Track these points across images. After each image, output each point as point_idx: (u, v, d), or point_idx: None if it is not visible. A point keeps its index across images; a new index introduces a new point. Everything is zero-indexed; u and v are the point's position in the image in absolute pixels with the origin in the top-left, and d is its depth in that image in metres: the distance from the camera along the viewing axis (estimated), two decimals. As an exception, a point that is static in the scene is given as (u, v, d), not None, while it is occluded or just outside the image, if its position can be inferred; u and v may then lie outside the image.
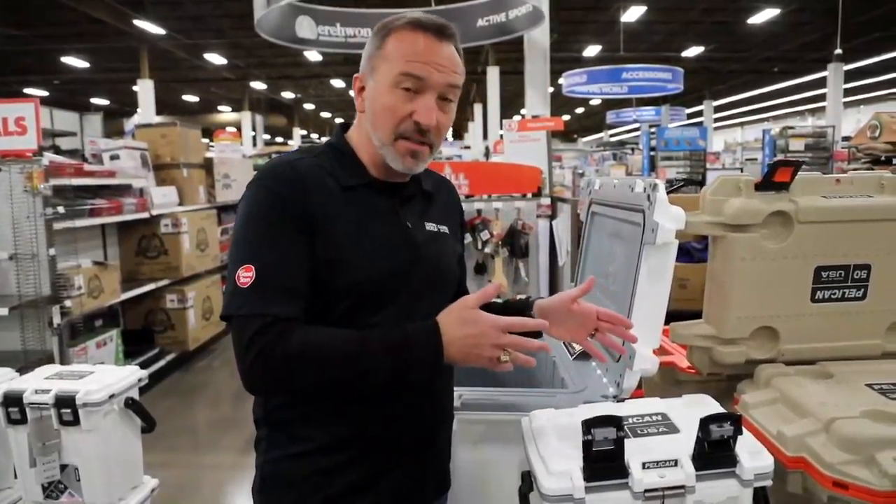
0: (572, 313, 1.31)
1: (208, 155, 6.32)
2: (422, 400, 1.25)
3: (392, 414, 1.23)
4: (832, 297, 1.49)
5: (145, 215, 4.74)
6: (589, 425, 1.08)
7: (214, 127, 18.85)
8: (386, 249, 1.21)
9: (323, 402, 1.19)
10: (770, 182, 1.41)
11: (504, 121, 5.01)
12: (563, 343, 1.85)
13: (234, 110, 26.21)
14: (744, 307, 1.47)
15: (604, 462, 1.10)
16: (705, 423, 1.07)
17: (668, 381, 1.71)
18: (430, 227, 1.30)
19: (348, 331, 1.15)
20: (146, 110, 14.77)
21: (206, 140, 8.67)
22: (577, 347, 1.77)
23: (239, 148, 9.33)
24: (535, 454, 1.20)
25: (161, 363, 4.95)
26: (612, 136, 29.08)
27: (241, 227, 1.17)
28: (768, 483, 1.15)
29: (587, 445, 1.09)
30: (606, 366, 1.58)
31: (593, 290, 1.97)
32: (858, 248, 1.46)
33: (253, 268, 1.12)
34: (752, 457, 1.12)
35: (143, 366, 4.95)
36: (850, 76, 17.25)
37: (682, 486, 1.10)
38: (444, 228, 1.33)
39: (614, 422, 1.07)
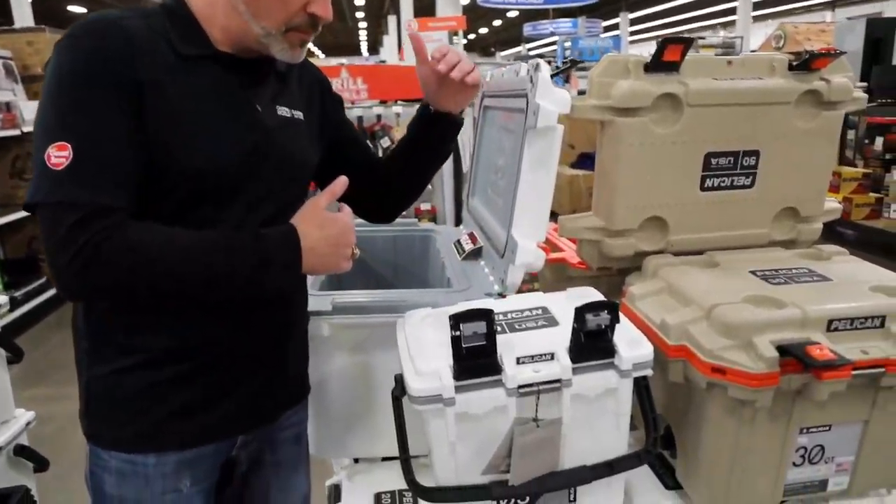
0: (434, 74, 1.31)
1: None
2: (268, 304, 1.13)
3: (234, 320, 1.10)
4: (721, 185, 1.44)
5: (16, 132, 4.32)
6: (457, 320, 0.99)
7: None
8: (229, 133, 1.05)
9: (155, 307, 1.05)
10: (659, 62, 1.32)
11: (405, 20, 4.77)
12: (454, 244, 1.77)
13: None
14: (632, 197, 1.41)
15: (474, 359, 1.02)
16: (580, 312, 1.00)
17: (560, 278, 1.66)
18: (283, 112, 1.14)
19: (191, 231, 1.00)
20: (22, 21, 13.44)
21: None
22: (467, 247, 1.68)
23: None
24: (405, 355, 1.11)
25: (48, 294, 4.64)
26: (529, 49, 28.73)
27: (51, 96, 0.95)
28: (648, 373, 1.11)
29: (456, 342, 1.00)
30: (493, 263, 1.50)
31: (483, 187, 1.88)
32: (748, 133, 1.41)
33: (68, 145, 0.92)
34: (631, 346, 1.07)
35: (28, 297, 4.65)
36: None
37: (558, 380, 1.04)
38: (299, 114, 1.18)
39: (484, 315, 0.99)
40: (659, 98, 1.34)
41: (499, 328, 1.14)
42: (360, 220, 2.12)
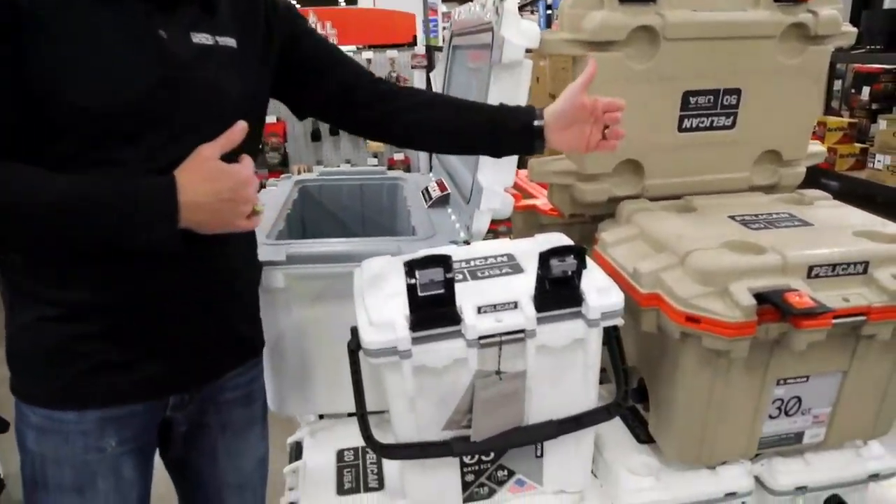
0: (583, 109, 1.11)
1: None
2: (200, 256, 1.03)
3: (163, 274, 1.00)
4: (700, 125, 1.36)
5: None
6: (412, 266, 0.91)
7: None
8: (127, 66, 0.92)
9: (73, 259, 0.96)
10: (635, -10, 1.22)
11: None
12: (421, 192, 1.68)
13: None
14: (606, 138, 1.32)
15: (432, 308, 0.95)
16: (545, 257, 0.93)
17: (532, 227, 1.58)
18: (202, 39, 1.00)
19: (59, 176, 0.88)
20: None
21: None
22: (434, 195, 1.60)
23: None
24: (360, 305, 1.03)
25: None
26: None
27: None
28: (618, 322, 1.04)
29: (412, 290, 0.93)
30: (459, 210, 1.42)
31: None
32: (729, 69, 1.33)
33: None
34: (600, 294, 1.00)
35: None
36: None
37: (522, 331, 0.97)
38: (229, 41, 1.04)
39: (441, 261, 0.91)
40: (634, 31, 1.24)
41: (460, 276, 1.07)
42: (326, 168, 2.04)
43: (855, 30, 1.38)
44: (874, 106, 6.52)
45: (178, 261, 0.98)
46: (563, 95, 1.13)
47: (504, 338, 0.97)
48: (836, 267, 1.11)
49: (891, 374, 1.23)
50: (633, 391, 1.43)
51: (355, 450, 1.41)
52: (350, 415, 1.52)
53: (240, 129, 0.96)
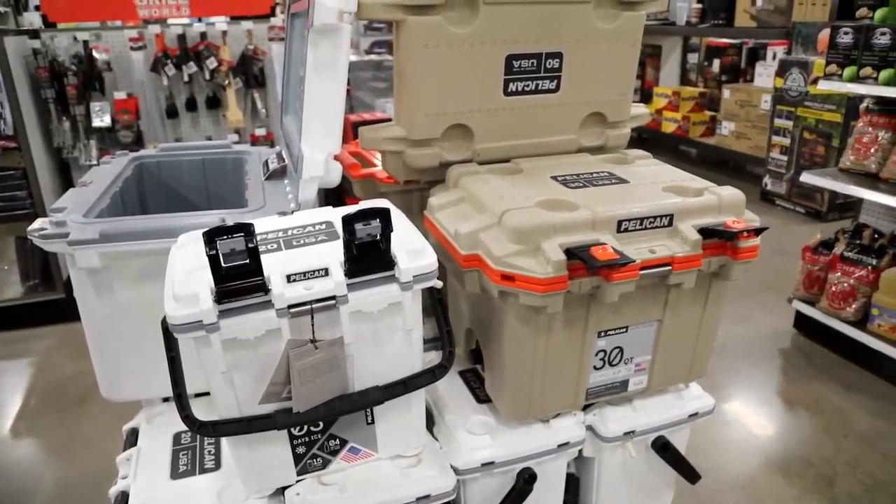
0: None
1: None
2: None
3: None
4: (525, 89, 1.39)
5: None
6: (211, 236, 0.87)
7: None
8: None
9: None
10: (450, -48, 1.22)
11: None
12: (262, 164, 1.63)
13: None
14: (432, 103, 1.32)
15: (237, 280, 0.92)
16: (348, 222, 0.92)
17: (372, 194, 1.57)
18: None
19: None
20: None
21: None
22: (272, 166, 1.55)
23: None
24: (169, 282, 0.99)
25: None
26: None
27: None
28: (434, 284, 1.05)
29: (214, 261, 0.89)
30: (293, 181, 1.38)
31: (293, 103, 1.73)
32: (550, 33, 1.35)
33: None
34: (411, 257, 1.00)
35: None
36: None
37: (333, 297, 0.96)
38: None
39: (242, 229, 0.88)
40: (453, -7, 1.24)
41: (273, 246, 1.04)
42: (168, 145, 1.93)
43: (664, -2, 1.44)
44: (723, 77, 6.99)
45: None
46: None
47: (315, 305, 0.95)
48: (643, 221, 1.16)
49: (701, 321, 1.32)
50: (470, 353, 1.46)
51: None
52: (197, 395, 1.46)
53: None
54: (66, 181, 3.63)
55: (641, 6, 1.41)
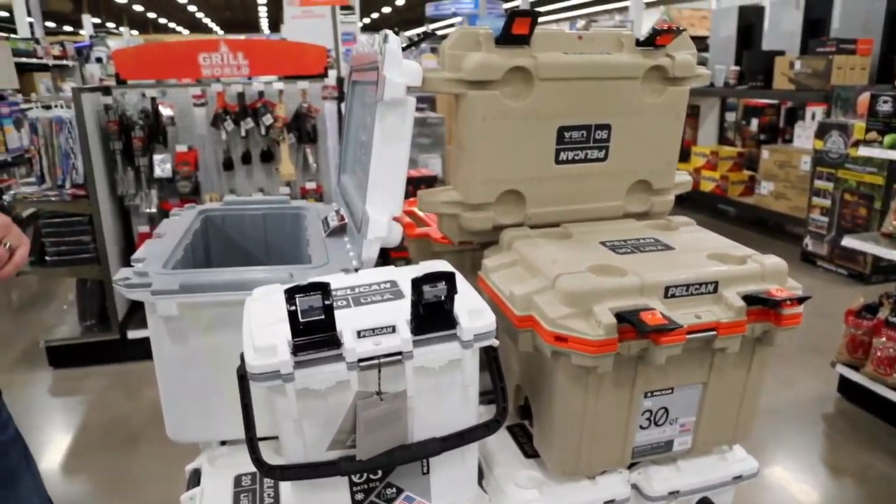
0: None
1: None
2: None
3: None
4: (575, 158, 1.47)
5: None
6: (292, 293, 0.96)
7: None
8: None
9: None
10: (509, 35, 1.33)
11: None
12: (321, 221, 1.73)
13: (2, -8, 22.43)
14: (488, 170, 1.41)
15: (313, 333, 1.00)
16: (417, 284, 1.00)
17: (425, 254, 1.66)
18: None
19: None
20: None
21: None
22: (332, 224, 1.65)
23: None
24: (247, 332, 1.07)
25: None
26: (434, 30, 28.63)
27: None
28: (492, 343, 1.12)
29: (293, 316, 0.98)
30: (354, 239, 1.48)
31: (352, 164, 1.85)
32: (599, 107, 1.44)
33: None
34: (472, 317, 1.07)
35: None
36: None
37: (399, 353, 1.03)
38: None
39: (320, 288, 0.96)
40: (510, 71, 1.34)
41: (343, 302, 1.12)
42: (230, 197, 2.06)
43: (709, 72, 1.53)
44: (762, 136, 7.02)
45: None
46: None
47: (382, 360, 1.02)
48: (689, 287, 1.22)
49: (745, 384, 1.36)
50: (519, 408, 1.52)
51: (253, 475, 1.43)
52: (249, 441, 1.54)
53: None
54: (126, 227, 3.82)
55: (687, 81, 1.50)
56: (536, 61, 1.35)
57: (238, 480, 1.43)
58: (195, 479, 1.48)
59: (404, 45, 1.31)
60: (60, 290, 5.04)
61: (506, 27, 1.32)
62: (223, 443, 1.58)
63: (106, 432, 3.10)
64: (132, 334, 3.67)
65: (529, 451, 1.44)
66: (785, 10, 6.56)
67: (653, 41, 1.42)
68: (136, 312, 3.82)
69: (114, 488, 2.69)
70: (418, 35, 1.56)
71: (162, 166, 3.55)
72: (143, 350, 3.59)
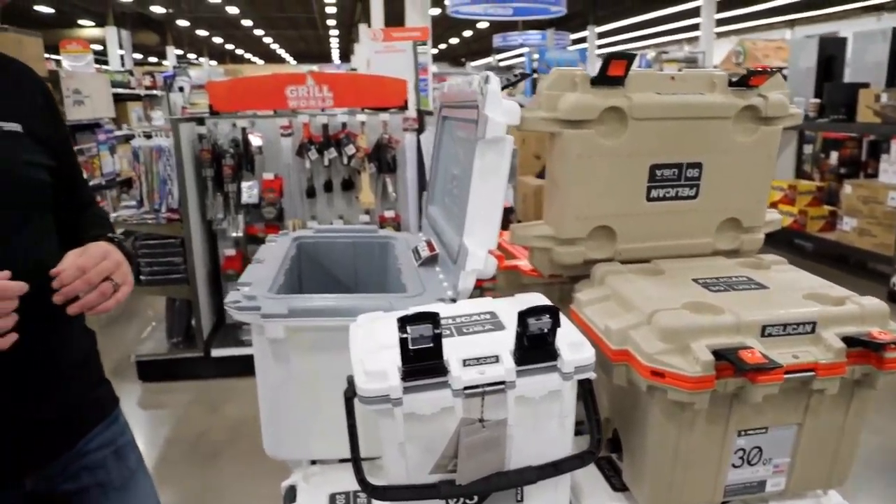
0: None
1: (53, 68, 5.73)
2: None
3: None
4: (666, 195, 1.50)
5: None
6: (404, 322, 1.02)
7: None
8: None
9: None
10: (605, 77, 1.37)
11: (365, 28, 4.80)
12: (412, 251, 1.80)
13: (97, 25, 23.94)
14: (581, 207, 1.45)
15: (421, 360, 1.05)
16: (523, 316, 1.04)
17: (514, 285, 1.70)
18: None
19: None
20: (-12, 20, 13.14)
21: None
22: (423, 254, 1.71)
23: (89, 59, 8.45)
24: (356, 357, 1.14)
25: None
26: (499, 60, 28.99)
27: None
28: (590, 375, 1.15)
29: (403, 343, 1.03)
30: (447, 269, 1.54)
31: (440, 196, 1.92)
32: (691, 145, 1.47)
33: None
34: (573, 349, 1.11)
35: None
36: (722, 6, 17.86)
37: (503, 382, 1.08)
38: (14, 126, 1.10)
39: (430, 318, 1.02)
40: (605, 111, 1.39)
41: (447, 331, 1.17)
42: (323, 227, 2.16)
43: (801, 111, 1.53)
44: (842, 170, 6.81)
45: None
46: None
47: (487, 389, 1.07)
48: (786, 327, 1.23)
49: (843, 427, 1.34)
50: (607, 441, 1.53)
51: (347, 494, 1.48)
52: (342, 460, 1.60)
53: None
54: (212, 250, 4.01)
55: (779, 121, 1.51)
56: (631, 101, 1.39)
57: (332, 499, 1.49)
58: (291, 495, 1.55)
59: (504, 84, 1.37)
60: (144, 307, 5.29)
61: (602, 69, 1.36)
62: (313, 462, 1.64)
63: (191, 446, 3.23)
64: (216, 353, 3.82)
65: (617, 485, 1.45)
66: (871, 42, 6.39)
67: (746, 82, 1.44)
68: (220, 331, 3.98)
69: (195, 500, 2.80)
70: (515, 76, 1.62)
71: (249, 192, 3.72)
72: (225, 368, 3.78)
